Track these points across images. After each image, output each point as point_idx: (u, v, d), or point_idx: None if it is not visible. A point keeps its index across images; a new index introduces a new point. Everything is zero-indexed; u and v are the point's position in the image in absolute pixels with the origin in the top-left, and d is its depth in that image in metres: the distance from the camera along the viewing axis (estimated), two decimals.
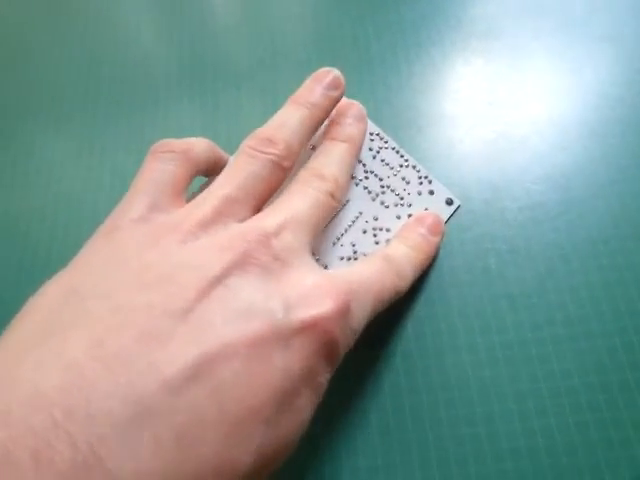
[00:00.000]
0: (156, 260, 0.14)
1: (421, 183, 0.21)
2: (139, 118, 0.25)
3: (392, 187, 0.21)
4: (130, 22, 0.28)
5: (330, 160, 0.18)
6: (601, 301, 0.19)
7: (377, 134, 0.21)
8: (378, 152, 0.21)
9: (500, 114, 0.23)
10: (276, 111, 0.18)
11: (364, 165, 0.21)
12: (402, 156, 0.21)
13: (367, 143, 0.21)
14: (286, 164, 0.17)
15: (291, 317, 0.13)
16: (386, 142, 0.21)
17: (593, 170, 0.22)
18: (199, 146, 0.18)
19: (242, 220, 0.16)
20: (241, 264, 0.14)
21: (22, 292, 0.14)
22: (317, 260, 0.20)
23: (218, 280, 0.13)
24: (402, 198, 0.21)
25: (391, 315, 0.20)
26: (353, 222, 0.20)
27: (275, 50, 0.26)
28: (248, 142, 0.17)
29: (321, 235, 0.20)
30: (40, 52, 0.27)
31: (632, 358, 0.18)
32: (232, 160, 0.18)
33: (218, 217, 0.15)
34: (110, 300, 0.12)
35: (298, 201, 0.17)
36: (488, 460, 0.17)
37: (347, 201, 0.20)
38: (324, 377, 0.14)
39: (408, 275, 0.18)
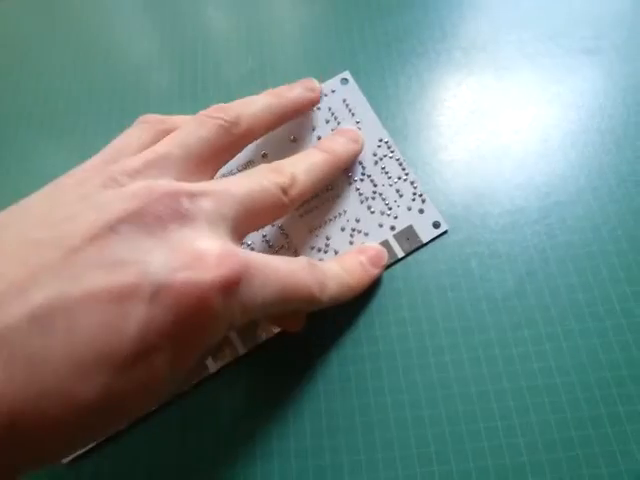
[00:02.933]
0: (73, 200, 0.14)
1: (414, 199, 0.21)
2: None
3: (384, 196, 0.21)
4: (124, 33, 0.29)
5: (298, 162, 0.18)
6: (580, 302, 0.20)
7: (386, 142, 0.22)
8: (381, 159, 0.21)
9: (483, 123, 0.24)
10: None
11: (363, 167, 0.21)
12: (404, 169, 0.21)
13: (373, 148, 0.21)
14: (235, 131, 0.17)
15: (168, 276, 0.13)
16: (392, 152, 0.22)
17: (573, 177, 0.23)
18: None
19: (177, 179, 0.15)
20: (138, 215, 0.13)
21: None
22: (288, 242, 0.20)
23: (110, 226, 0.13)
24: (390, 208, 0.21)
25: (374, 316, 0.20)
26: (335, 217, 0.21)
27: (264, 61, 0.27)
28: (202, 111, 0.17)
29: (299, 220, 0.20)
30: (34, 62, 0.28)
31: (610, 357, 0.19)
32: None
33: (148, 170, 0.15)
34: (18, 234, 0.13)
35: (237, 179, 0.16)
36: (469, 458, 0.18)
37: (336, 197, 0.21)
38: (194, 345, 0.13)
39: (329, 291, 0.17)
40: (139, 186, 0.14)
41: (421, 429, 0.18)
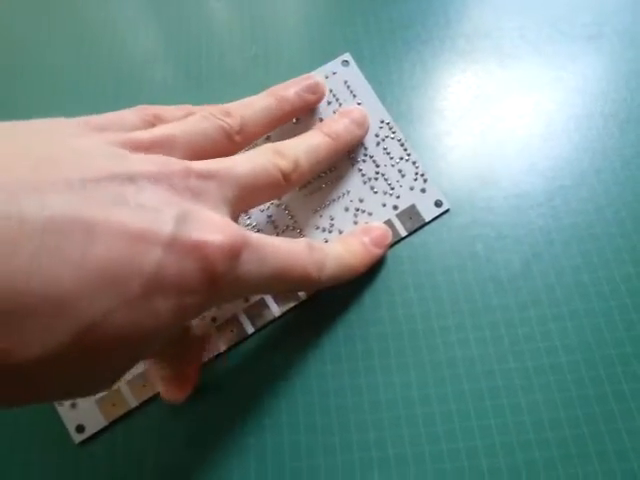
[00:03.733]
0: (85, 144, 0.14)
1: (416, 179, 0.22)
2: None
3: (386, 176, 0.21)
4: (127, 25, 0.29)
5: (301, 145, 0.19)
6: (586, 283, 0.20)
7: (387, 123, 0.22)
8: (383, 140, 0.22)
9: (487, 108, 0.24)
10: None
11: (365, 148, 0.22)
12: (405, 150, 0.22)
13: (375, 129, 0.22)
14: (237, 138, 0.17)
15: (181, 229, 0.13)
16: (394, 132, 0.22)
17: (577, 160, 0.23)
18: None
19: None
20: (155, 176, 0.14)
21: None
22: (293, 222, 0.21)
23: (130, 176, 0.13)
24: (393, 188, 0.21)
25: (381, 297, 0.20)
26: (338, 198, 0.21)
27: (268, 49, 0.27)
28: (208, 107, 0.18)
29: (303, 199, 0.21)
30: (37, 56, 0.28)
31: (615, 336, 0.19)
32: None
33: (152, 146, 0.15)
34: (21, 145, 0.13)
35: (242, 160, 0.16)
36: (476, 435, 0.18)
37: (339, 178, 0.21)
38: (195, 301, 0.14)
39: (328, 271, 0.18)
40: (154, 157, 0.14)
41: (429, 407, 0.18)
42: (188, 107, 0.18)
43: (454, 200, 0.22)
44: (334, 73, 0.22)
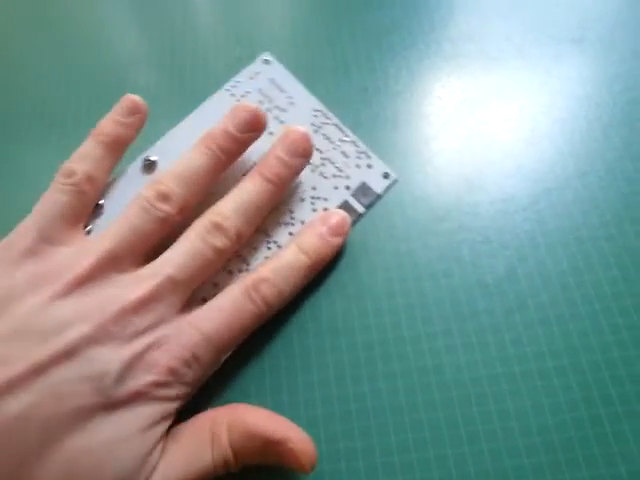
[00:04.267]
0: (26, 310, 0.15)
1: (360, 157, 0.22)
2: None
3: (332, 160, 0.22)
4: (112, 28, 0.29)
5: (240, 205, 0.19)
6: (571, 286, 0.20)
7: (320, 110, 0.23)
8: (320, 127, 0.22)
9: (473, 112, 0.24)
10: None
11: None
12: (343, 132, 0.22)
13: (310, 119, 0.22)
14: (177, 219, 0.18)
15: (120, 388, 0.15)
16: (328, 118, 0.22)
17: (562, 164, 0.23)
18: (102, 169, 0.19)
19: (123, 271, 0.17)
20: (91, 337, 0.15)
21: None
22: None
23: (69, 351, 0.15)
24: (341, 170, 0.22)
25: (368, 304, 0.20)
26: (292, 190, 0.21)
27: (253, 50, 0.27)
28: (145, 192, 0.18)
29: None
30: (24, 66, 0.28)
31: (602, 340, 0.19)
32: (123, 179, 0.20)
33: (96, 273, 0.17)
34: None
35: (181, 257, 0.17)
36: (464, 441, 0.18)
37: None
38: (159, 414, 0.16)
39: (284, 288, 0.18)
40: (92, 303, 0.16)
41: (416, 414, 0.18)
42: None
43: (440, 205, 0.22)
44: (257, 73, 0.23)
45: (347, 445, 0.18)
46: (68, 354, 0.15)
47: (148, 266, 0.17)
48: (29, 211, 0.19)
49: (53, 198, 0.18)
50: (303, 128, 0.20)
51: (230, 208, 0.19)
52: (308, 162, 0.21)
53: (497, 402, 0.18)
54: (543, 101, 0.24)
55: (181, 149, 0.20)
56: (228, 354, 0.18)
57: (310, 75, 0.25)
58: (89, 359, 0.15)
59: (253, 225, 0.19)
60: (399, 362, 0.19)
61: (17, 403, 0.14)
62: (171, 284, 0.17)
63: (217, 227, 0.18)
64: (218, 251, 0.18)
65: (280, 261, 0.19)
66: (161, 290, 0.17)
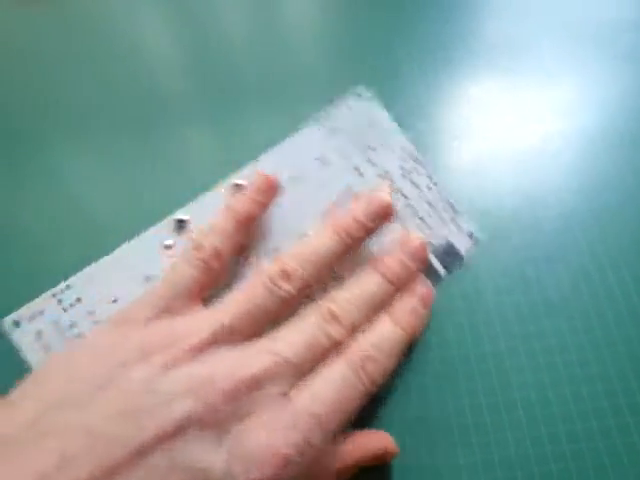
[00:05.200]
0: (136, 384, 0.15)
1: (446, 210, 0.21)
2: (157, 136, 0.25)
3: (416, 208, 0.21)
4: (145, 40, 0.29)
5: (357, 300, 0.18)
6: (637, 306, 0.20)
7: (410, 153, 0.21)
8: (409, 172, 0.21)
9: (530, 128, 0.24)
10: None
11: (392, 182, 0.21)
12: (431, 179, 0.21)
13: (399, 162, 0.21)
14: (296, 300, 0.18)
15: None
16: (418, 163, 0.21)
17: (622, 179, 0.23)
18: (230, 245, 0.19)
19: (235, 345, 0.17)
20: (199, 417, 0.15)
21: None
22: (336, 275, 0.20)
23: (177, 426, 0.14)
24: (424, 221, 0.21)
25: (431, 321, 0.20)
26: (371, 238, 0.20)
27: (300, 66, 0.26)
28: (269, 270, 0.18)
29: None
30: (57, 70, 0.28)
31: None
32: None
33: (210, 346, 0.16)
34: (84, 416, 0.14)
35: (297, 340, 0.17)
36: (531, 461, 0.18)
37: None
38: None
39: (393, 361, 0.18)
40: (202, 377, 0.15)
41: (484, 436, 0.18)
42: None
43: (501, 222, 0.22)
44: (350, 107, 0.22)
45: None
46: (174, 434, 0.14)
47: (262, 342, 0.17)
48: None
49: (182, 271, 0.18)
50: (422, 238, 0.20)
51: (348, 299, 0.18)
52: (423, 268, 0.20)
53: (566, 423, 0.18)
54: (601, 116, 0.24)
55: (276, 172, 0.20)
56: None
57: (403, 113, 0.24)
58: (192, 450, 0.14)
59: (366, 319, 0.18)
60: (465, 382, 0.19)
61: None
62: (286, 365, 0.16)
63: (335, 317, 0.18)
64: (333, 341, 0.17)
65: (378, 336, 0.18)
66: (275, 370, 0.16)
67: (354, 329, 0.18)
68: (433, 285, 0.20)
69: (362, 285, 0.19)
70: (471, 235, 0.21)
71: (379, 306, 0.19)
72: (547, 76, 0.25)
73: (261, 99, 0.25)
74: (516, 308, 0.20)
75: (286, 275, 0.18)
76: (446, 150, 0.23)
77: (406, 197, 0.21)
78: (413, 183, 0.21)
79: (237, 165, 0.22)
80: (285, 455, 0.15)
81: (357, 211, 0.19)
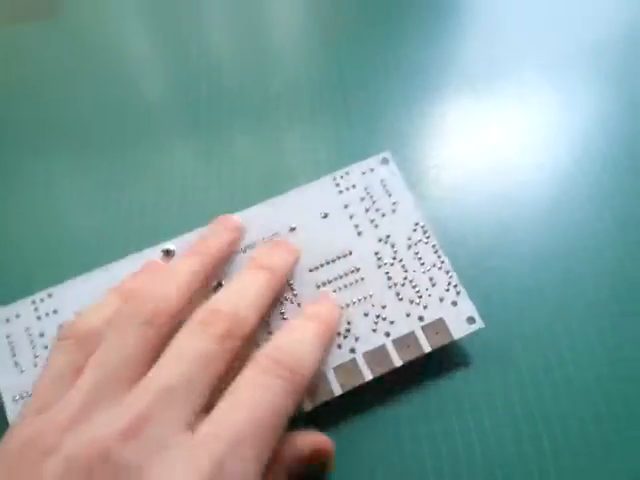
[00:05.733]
0: None
1: (448, 290, 0.19)
2: (149, 155, 0.26)
3: (414, 283, 0.20)
4: (141, 59, 0.29)
5: (239, 297, 0.17)
6: (611, 346, 0.20)
7: (422, 226, 0.20)
8: (415, 244, 0.20)
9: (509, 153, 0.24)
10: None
11: (395, 251, 0.20)
12: (439, 257, 0.20)
13: (407, 232, 0.20)
14: (165, 330, 0.16)
15: None
16: (428, 237, 0.20)
17: (603, 211, 0.23)
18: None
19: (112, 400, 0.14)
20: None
21: None
22: None
23: None
24: (420, 297, 0.19)
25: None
26: (359, 300, 0.19)
27: (287, 87, 0.27)
28: (126, 312, 0.16)
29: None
30: (54, 89, 0.28)
31: None
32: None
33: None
34: None
35: (174, 363, 0.14)
36: None
37: (361, 279, 0.20)
38: None
39: (307, 344, 0.16)
40: (83, 443, 0.13)
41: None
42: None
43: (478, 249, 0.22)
44: (372, 170, 0.21)
45: None
46: None
47: (139, 384, 0.14)
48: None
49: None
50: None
51: (228, 299, 0.17)
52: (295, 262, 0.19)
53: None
54: (583, 142, 0.24)
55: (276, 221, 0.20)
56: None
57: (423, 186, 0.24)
58: None
59: (253, 307, 0.17)
60: None
61: None
62: (167, 396, 0.14)
63: (213, 313, 0.16)
64: (221, 339, 0.15)
65: (288, 333, 0.17)
66: (156, 407, 0.13)
67: (243, 319, 0.16)
68: (413, 360, 0.19)
69: (241, 284, 0.17)
70: (472, 320, 0.19)
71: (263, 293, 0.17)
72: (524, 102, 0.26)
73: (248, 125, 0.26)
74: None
75: (156, 313, 0.16)
76: (424, 178, 0.24)
77: (406, 270, 0.20)
78: (417, 257, 0.20)
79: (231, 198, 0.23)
80: None
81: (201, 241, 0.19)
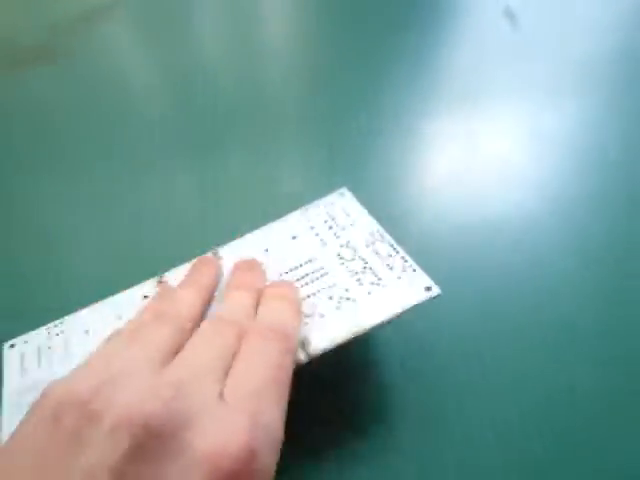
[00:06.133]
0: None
1: (404, 270, 0.22)
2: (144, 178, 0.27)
3: (374, 269, 0.22)
4: (139, 84, 0.30)
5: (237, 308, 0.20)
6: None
7: (377, 231, 0.23)
8: (372, 244, 0.23)
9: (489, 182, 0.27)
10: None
11: (355, 251, 0.23)
12: (394, 248, 0.22)
13: (365, 237, 0.23)
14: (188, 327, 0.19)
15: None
16: (383, 237, 0.23)
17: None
18: None
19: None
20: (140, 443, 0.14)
21: None
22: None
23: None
24: (380, 279, 0.22)
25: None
26: (323, 289, 0.22)
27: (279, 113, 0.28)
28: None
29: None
30: (54, 125, 0.30)
31: None
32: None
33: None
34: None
35: (203, 353, 0.17)
36: None
37: (326, 273, 0.22)
38: None
39: (287, 309, 0.20)
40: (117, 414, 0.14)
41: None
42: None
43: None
44: (332, 203, 0.25)
45: None
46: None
47: (173, 362, 0.17)
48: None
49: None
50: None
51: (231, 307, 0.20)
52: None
53: None
54: (566, 169, 0.27)
55: (257, 255, 0.23)
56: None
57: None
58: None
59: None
60: None
61: None
62: (200, 370, 0.17)
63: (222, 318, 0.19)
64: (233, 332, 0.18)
65: (270, 309, 0.20)
66: (191, 379, 0.16)
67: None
68: (381, 325, 0.20)
69: (234, 300, 0.21)
70: (429, 288, 0.21)
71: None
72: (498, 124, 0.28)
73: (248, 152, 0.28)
74: None
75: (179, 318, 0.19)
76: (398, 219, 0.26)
77: (365, 261, 0.22)
78: (375, 252, 0.22)
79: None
80: (247, 441, 0.14)
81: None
